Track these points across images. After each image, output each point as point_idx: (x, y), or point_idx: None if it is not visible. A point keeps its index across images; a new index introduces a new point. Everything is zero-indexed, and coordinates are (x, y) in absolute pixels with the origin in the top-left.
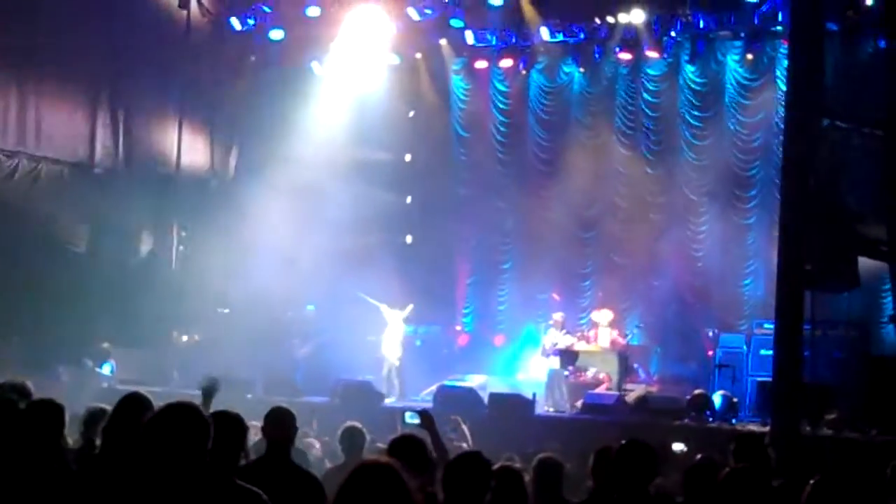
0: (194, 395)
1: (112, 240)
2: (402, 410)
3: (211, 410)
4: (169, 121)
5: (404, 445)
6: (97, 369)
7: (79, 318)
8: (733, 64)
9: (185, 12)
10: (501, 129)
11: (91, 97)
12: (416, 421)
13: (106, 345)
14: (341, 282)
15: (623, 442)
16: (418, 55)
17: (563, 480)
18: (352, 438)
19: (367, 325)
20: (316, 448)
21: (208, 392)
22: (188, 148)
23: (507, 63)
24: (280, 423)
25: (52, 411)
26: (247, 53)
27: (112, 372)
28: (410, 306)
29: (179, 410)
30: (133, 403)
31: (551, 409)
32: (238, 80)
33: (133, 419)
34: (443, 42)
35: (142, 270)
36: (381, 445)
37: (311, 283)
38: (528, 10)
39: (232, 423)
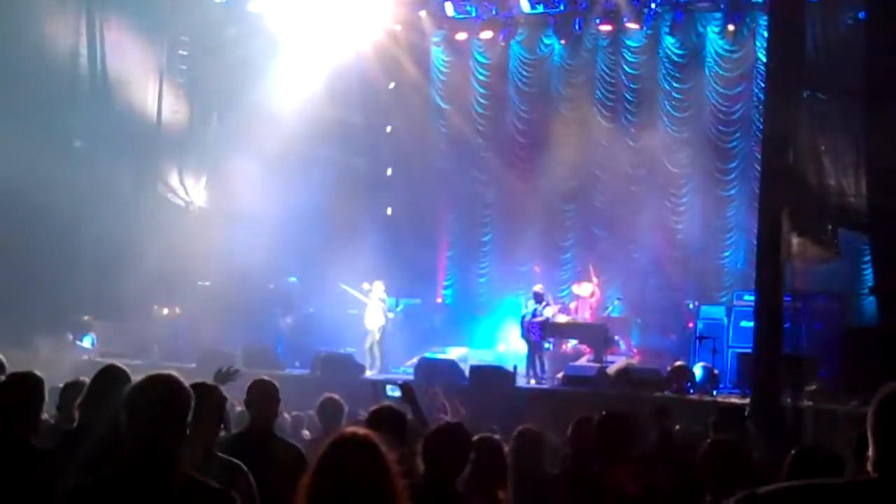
0: (175, 369)
1: (92, 210)
2: (384, 383)
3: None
4: (151, 79)
5: (383, 416)
6: (77, 342)
7: (58, 290)
8: (713, 35)
9: None
10: (482, 101)
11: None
12: (397, 394)
13: (86, 318)
14: (324, 253)
15: (603, 413)
16: (398, 27)
17: (543, 451)
18: (330, 410)
19: (349, 297)
20: (287, 421)
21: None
22: (169, 108)
23: (487, 35)
24: (262, 396)
25: (31, 384)
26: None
27: (93, 345)
28: (378, 282)
29: (160, 381)
30: (110, 375)
31: (532, 381)
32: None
33: (110, 391)
34: (423, 14)
35: (122, 242)
36: (363, 415)
37: (292, 255)
38: None
39: (210, 394)
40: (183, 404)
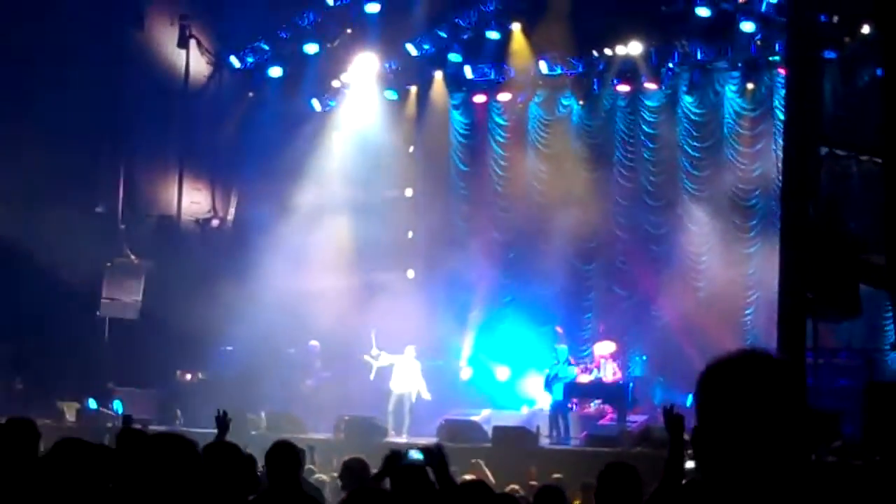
0: (198, 434)
1: (116, 280)
2: (406, 447)
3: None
4: (170, 170)
5: (407, 475)
6: (106, 409)
7: (83, 358)
8: (731, 94)
9: (184, 53)
10: (501, 162)
11: (92, 148)
12: (419, 457)
13: (110, 384)
14: (347, 317)
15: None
16: (417, 90)
17: None
18: (351, 472)
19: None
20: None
21: (222, 424)
22: (189, 194)
23: (505, 97)
24: (283, 457)
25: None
26: (246, 91)
27: (121, 411)
28: (410, 346)
29: (165, 441)
30: (131, 439)
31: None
32: (237, 120)
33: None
34: (441, 77)
35: (145, 310)
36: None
37: (314, 320)
38: (526, 44)
39: (238, 455)
40: (183, 463)
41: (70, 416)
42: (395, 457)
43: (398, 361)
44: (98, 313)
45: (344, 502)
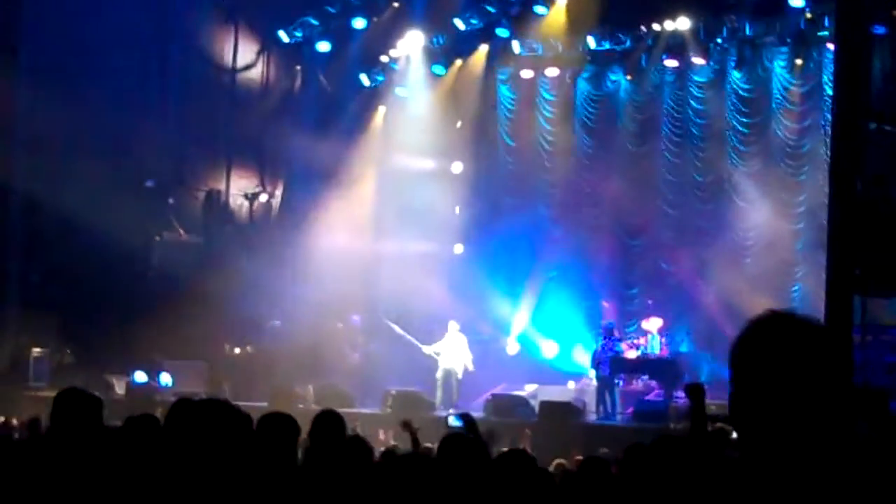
0: (245, 407)
1: (165, 254)
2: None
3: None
4: (219, 145)
5: (454, 443)
6: (154, 381)
7: (132, 330)
8: (780, 70)
9: (232, 29)
10: (548, 137)
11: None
12: (459, 423)
13: (158, 357)
14: (396, 291)
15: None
16: (464, 65)
17: (609, 479)
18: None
19: (421, 334)
20: None
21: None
22: (237, 169)
23: (553, 72)
24: (327, 426)
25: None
26: (293, 65)
27: (169, 384)
28: (453, 322)
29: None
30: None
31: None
32: (284, 95)
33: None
34: (489, 52)
35: (193, 284)
36: (430, 445)
37: (362, 293)
38: (574, 19)
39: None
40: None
41: (119, 389)
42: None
43: (445, 339)
44: (147, 286)
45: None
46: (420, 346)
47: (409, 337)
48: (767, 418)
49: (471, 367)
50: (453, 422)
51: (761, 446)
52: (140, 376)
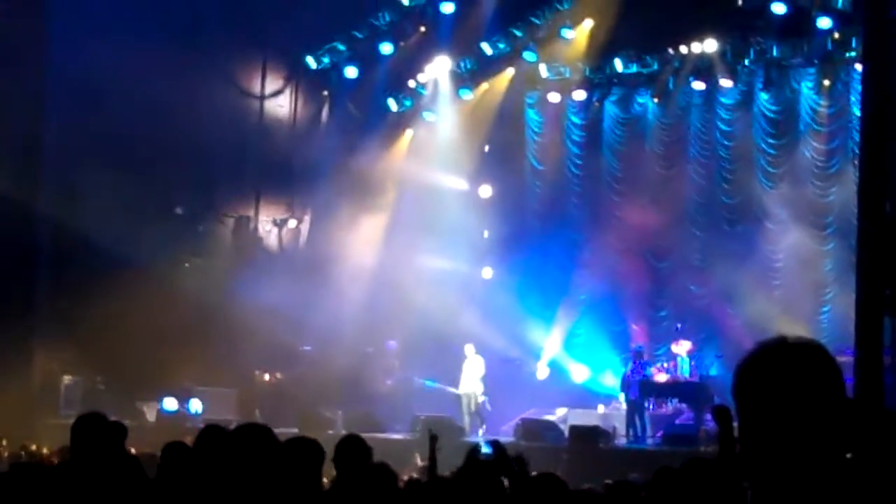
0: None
1: (194, 281)
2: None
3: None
4: (248, 171)
5: (482, 470)
6: (183, 408)
7: (163, 357)
8: (807, 91)
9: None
10: (576, 161)
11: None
12: (489, 451)
13: (189, 384)
14: (425, 316)
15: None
16: (492, 89)
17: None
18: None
19: (448, 360)
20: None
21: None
22: (266, 195)
23: (580, 95)
24: (350, 452)
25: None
26: (321, 90)
27: (200, 411)
28: (469, 345)
29: (246, 431)
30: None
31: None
32: (313, 120)
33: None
34: (516, 75)
35: (223, 310)
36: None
37: (392, 319)
38: (601, 42)
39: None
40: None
41: (150, 417)
42: (475, 451)
43: (470, 359)
44: (177, 313)
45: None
46: (454, 391)
47: (441, 386)
48: (773, 447)
49: (479, 396)
50: (484, 449)
51: (770, 475)
52: (170, 403)
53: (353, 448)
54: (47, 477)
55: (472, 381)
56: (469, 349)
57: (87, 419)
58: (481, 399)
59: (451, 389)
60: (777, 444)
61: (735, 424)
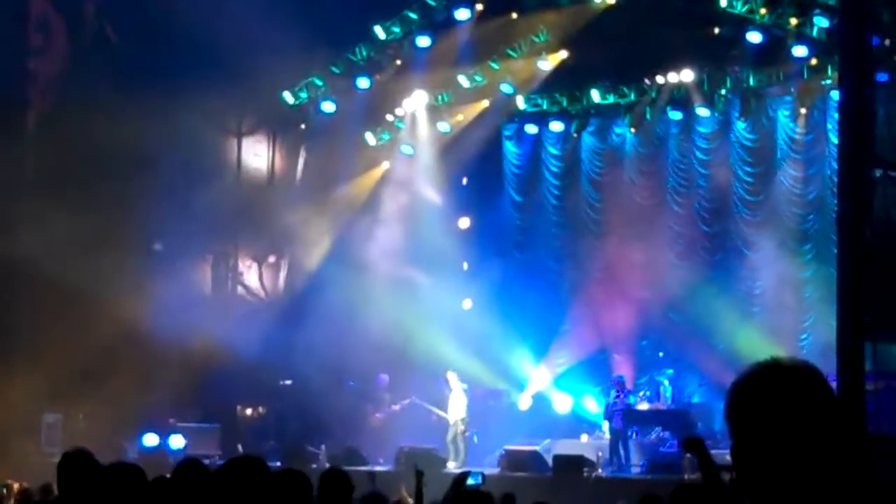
0: None
1: (172, 319)
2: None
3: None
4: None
5: (470, 499)
6: (164, 444)
7: (146, 394)
8: (784, 119)
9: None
10: (555, 192)
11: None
12: (476, 482)
13: (171, 420)
14: (405, 348)
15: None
16: (469, 122)
17: None
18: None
19: (432, 392)
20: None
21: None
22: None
23: (557, 126)
24: (332, 487)
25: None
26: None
27: (180, 447)
28: (451, 373)
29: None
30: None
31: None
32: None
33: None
34: (493, 107)
35: (204, 347)
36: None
37: (374, 352)
38: (578, 73)
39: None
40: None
41: (132, 454)
42: (461, 480)
43: (455, 389)
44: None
45: None
46: (446, 416)
47: (442, 413)
48: (768, 468)
49: (461, 425)
50: (472, 480)
51: (766, 496)
52: (150, 440)
53: (335, 483)
54: None
55: (455, 410)
56: (452, 377)
57: (73, 457)
58: (463, 429)
59: (444, 415)
60: (773, 465)
61: (710, 452)
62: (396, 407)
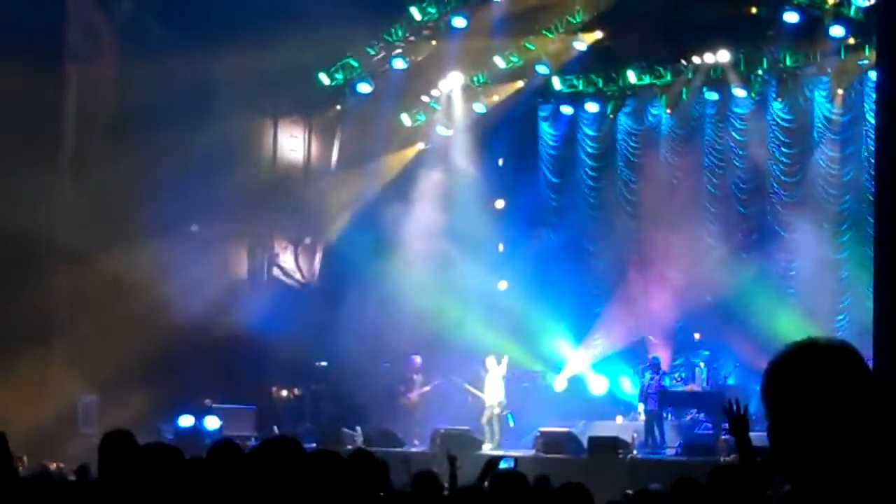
0: None
1: (207, 300)
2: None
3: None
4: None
5: (504, 481)
6: (199, 425)
7: (182, 375)
8: (821, 99)
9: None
10: (591, 172)
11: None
12: (508, 465)
13: (207, 401)
14: (441, 331)
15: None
16: (505, 103)
17: None
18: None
19: (466, 373)
20: None
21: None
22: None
23: (593, 107)
24: (361, 467)
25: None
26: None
27: (216, 428)
28: (506, 358)
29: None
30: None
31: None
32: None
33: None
34: (529, 88)
35: (242, 329)
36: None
37: (409, 333)
38: (614, 54)
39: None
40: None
41: (169, 434)
42: (493, 464)
43: (492, 371)
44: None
45: None
46: (483, 397)
47: (479, 393)
48: (806, 448)
49: (497, 408)
50: (504, 463)
51: (804, 476)
52: (185, 421)
53: (363, 463)
54: (70, 493)
55: (493, 392)
56: (490, 361)
57: (114, 437)
58: (499, 412)
59: (480, 394)
60: (810, 444)
61: (751, 434)
62: (427, 388)
